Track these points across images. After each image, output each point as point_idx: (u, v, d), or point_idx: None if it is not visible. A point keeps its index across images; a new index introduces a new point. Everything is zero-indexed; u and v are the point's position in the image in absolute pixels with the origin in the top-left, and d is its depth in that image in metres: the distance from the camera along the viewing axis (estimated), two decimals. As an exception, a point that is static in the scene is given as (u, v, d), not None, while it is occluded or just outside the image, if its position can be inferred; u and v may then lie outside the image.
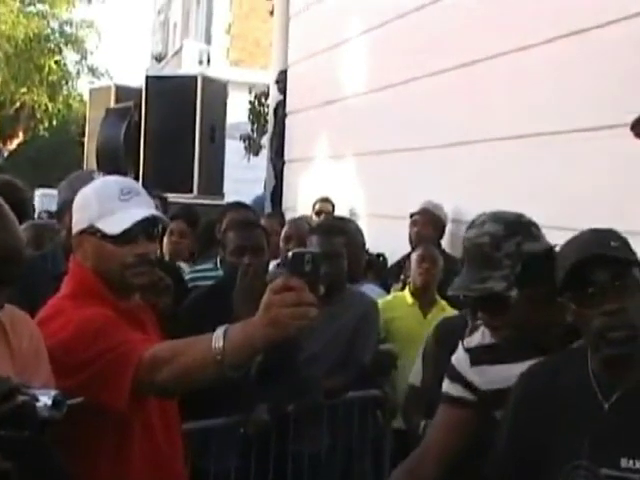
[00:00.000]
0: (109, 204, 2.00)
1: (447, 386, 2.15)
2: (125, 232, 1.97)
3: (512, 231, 1.94)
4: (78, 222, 2.05)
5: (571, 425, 1.70)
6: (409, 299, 4.04)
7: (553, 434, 1.71)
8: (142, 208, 2.02)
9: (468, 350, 2.13)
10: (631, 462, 1.60)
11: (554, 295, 1.94)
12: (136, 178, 7.57)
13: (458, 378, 2.12)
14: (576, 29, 4.20)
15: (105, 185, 2.08)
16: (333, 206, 6.16)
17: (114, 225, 1.97)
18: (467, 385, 2.10)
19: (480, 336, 2.12)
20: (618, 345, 1.63)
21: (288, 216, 6.03)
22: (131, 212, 1.98)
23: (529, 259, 1.92)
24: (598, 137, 3.96)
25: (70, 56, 24.57)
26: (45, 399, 1.52)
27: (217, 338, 1.67)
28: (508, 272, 1.90)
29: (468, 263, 1.97)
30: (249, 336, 1.64)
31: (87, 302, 1.96)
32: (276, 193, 8.15)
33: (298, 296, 1.57)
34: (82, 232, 2.04)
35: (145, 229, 2.01)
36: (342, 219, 4.01)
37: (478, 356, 2.09)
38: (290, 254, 1.66)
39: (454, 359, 2.16)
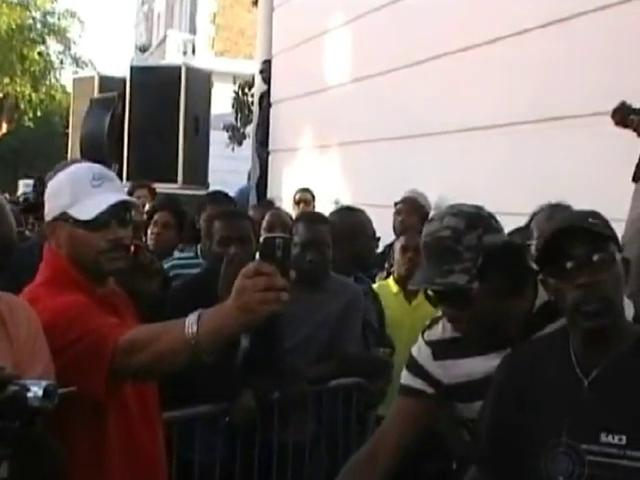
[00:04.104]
0: (81, 191, 2.01)
1: (407, 378, 2.17)
2: (97, 217, 1.99)
3: (473, 224, 1.94)
4: (51, 210, 2.06)
5: (552, 403, 1.72)
6: (394, 288, 4.05)
7: (535, 414, 1.73)
8: (114, 193, 2.03)
9: (429, 343, 2.13)
10: (610, 437, 1.62)
11: (515, 287, 1.96)
12: (120, 168, 7.57)
13: (419, 371, 2.13)
14: (551, 20, 4.24)
15: (76, 172, 2.08)
16: (313, 196, 6.19)
17: (86, 211, 1.99)
18: (428, 378, 2.12)
19: (440, 329, 2.13)
20: (593, 317, 1.64)
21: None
22: (103, 198, 2.00)
23: (490, 251, 1.92)
24: (581, 125, 3.99)
25: (53, 46, 24.48)
26: (36, 389, 1.52)
27: (191, 323, 1.69)
28: (470, 265, 1.90)
29: (429, 257, 1.97)
30: (222, 321, 1.67)
31: (62, 289, 1.97)
32: (261, 183, 8.16)
33: (269, 281, 1.59)
34: (55, 219, 2.05)
35: (117, 214, 2.03)
36: (353, 209, 4.00)
37: (440, 350, 2.11)
38: (261, 239, 1.68)
39: (415, 352, 2.17)
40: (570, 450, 1.65)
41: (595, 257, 1.65)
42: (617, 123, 3.19)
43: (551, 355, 1.77)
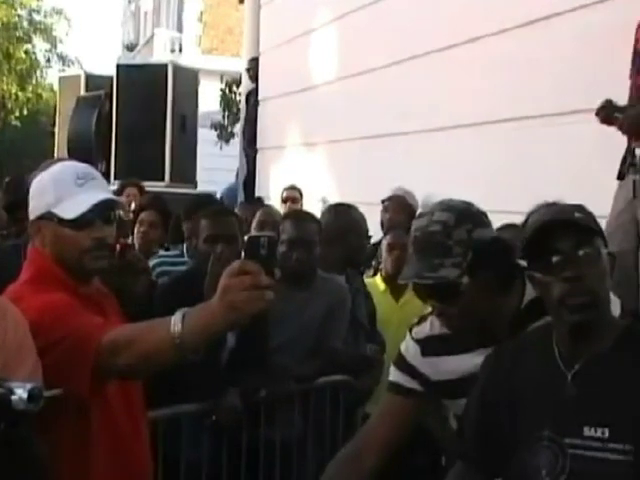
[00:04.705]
0: (65, 189, 2.01)
1: (395, 375, 2.17)
2: (82, 216, 1.99)
3: (463, 219, 1.95)
4: (35, 209, 2.06)
5: (536, 397, 1.72)
6: (381, 285, 4.06)
7: (519, 408, 1.74)
8: (98, 192, 2.03)
9: (418, 341, 2.14)
10: (593, 430, 1.62)
11: (504, 283, 1.97)
12: (108, 167, 7.56)
13: (408, 368, 2.14)
14: (540, 16, 4.26)
15: (60, 171, 2.08)
16: (301, 194, 6.19)
17: (70, 210, 1.99)
18: (416, 375, 2.13)
19: (429, 326, 2.13)
20: (578, 311, 1.64)
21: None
22: (87, 196, 2.00)
23: (480, 246, 1.93)
24: (568, 122, 4.01)
25: (40, 44, 24.36)
26: (21, 392, 1.52)
27: (175, 322, 1.69)
28: (460, 260, 1.91)
29: (419, 251, 1.97)
30: (207, 320, 1.67)
31: (46, 288, 1.97)
32: (249, 181, 8.15)
33: (254, 279, 1.59)
34: (39, 218, 2.05)
35: (101, 213, 2.03)
36: (348, 206, 3.99)
37: (428, 347, 2.11)
38: (246, 238, 1.68)
39: (403, 349, 2.18)
40: (553, 444, 1.66)
41: (581, 251, 1.66)
42: (602, 121, 3.20)
43: (534, 350, 1.78)
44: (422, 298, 2.06)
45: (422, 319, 2.19)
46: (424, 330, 2.15)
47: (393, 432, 2.13)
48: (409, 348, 2.17)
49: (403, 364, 2.16)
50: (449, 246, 1.92)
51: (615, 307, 1.85)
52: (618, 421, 1.62)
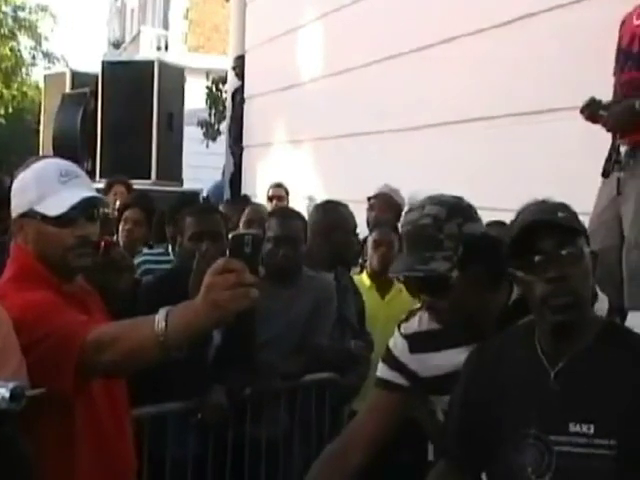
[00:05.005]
0: (48, 187, 2.00)
1: (383, 371, 2.18)
2: (65, 214, 1.98)
3: (454, 213, 1.96)
4: (18, 206, 2.05)
5: (520, 395, 1.73)
6: (367, 282, 4.07)
7: (503, 406, 1.74)
8: (81, 190, 2.02)
9: (406, 337, 2.15)
10: (579, 427, 1.63)
11: (493, 279, 1.98)
12: (93, 165, 7.53)
13: (396, 364, 2.14)
14: (518, 16, 4.29)
15: (44, 168, 2.07)
16: (287, 192, 6.19)
17: (54, 207, 1.98)
18: (405, 371, 2.13)
19: (417, 322, 2.14)
20: (561, 311, 1.65)
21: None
22: (70, 194, 1.99)
23: (470, 240, 1.94)
24: (548, 120, 4.03)
25: (24, 42, 24.24)
26: (3, 391, 1.51)
27: (159, 320, 1.69)
28: (451, 253, 1.92)
29: (409, 245, 1.97)
30: (190, 318, 1.67)
31: (29, 285, 1.96)
32: (235, 179, 8.14)
33: (238, 277, 1.59)
34: (22, 216, 2.04)
35: (85, 210, 2.02)
36: (336, 203, 3.98)
37: (417, 343, 2.12)
38: (230, 236, 1.68)
39: (391, 345, 2.18)
40: (538, 441, 1.66)
41: (564, 251, 1.66)
42: (587, 118, 3.21)
43: (518, 348, 1.79)
44: (412, 292, 2.06)
45: (411, 314, 2.19)
46: (412, 326, 2.15)
47: (380, 428, 2.13)
48: (397, 344, 2.17)
49: (391, 360, 2.16)
50: (440, 239, 1.93)
51: (603, 304, 1.86)
52: (603, 417, 1.63)
